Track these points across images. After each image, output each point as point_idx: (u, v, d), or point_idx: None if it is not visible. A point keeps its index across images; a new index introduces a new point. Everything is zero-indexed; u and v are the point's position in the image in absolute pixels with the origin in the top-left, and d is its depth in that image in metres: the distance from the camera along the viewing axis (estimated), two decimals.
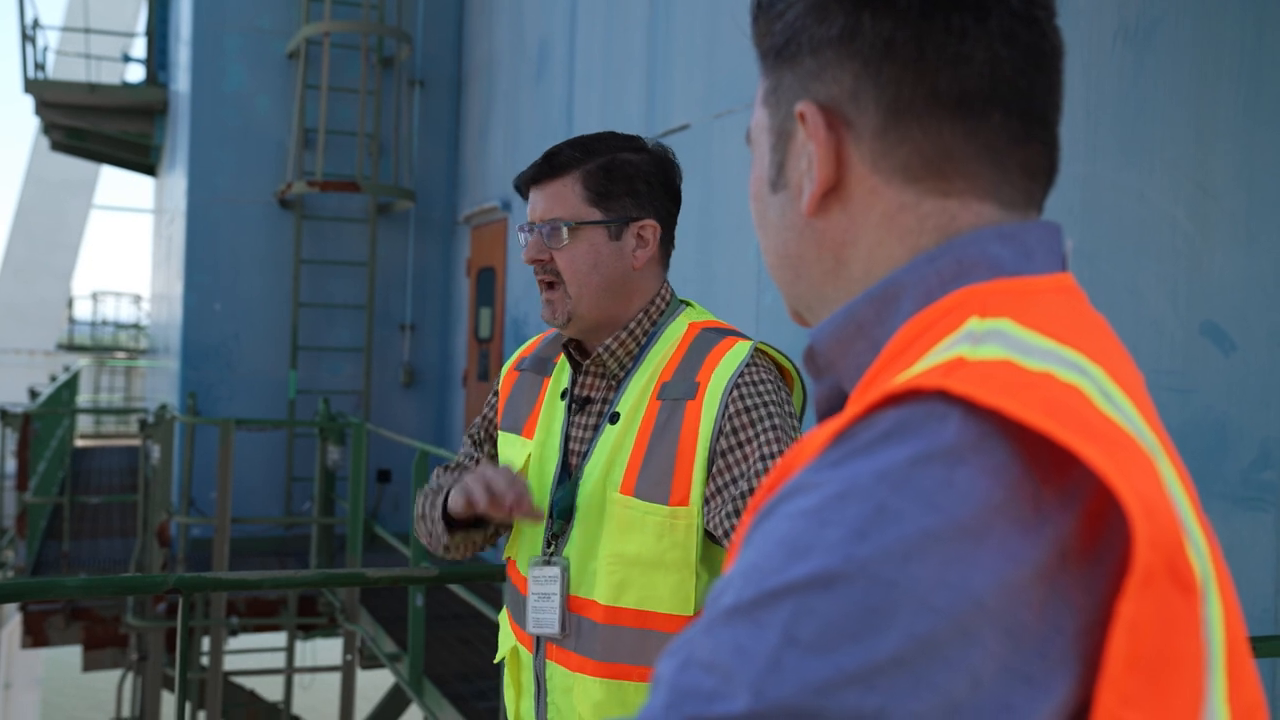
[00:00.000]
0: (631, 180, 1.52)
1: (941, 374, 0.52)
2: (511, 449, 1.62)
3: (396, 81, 8.87)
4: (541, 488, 1.55)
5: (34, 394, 10.83)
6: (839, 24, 0.62)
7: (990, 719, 0.46)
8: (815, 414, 0.70)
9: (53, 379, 14.86)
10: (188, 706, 2.58)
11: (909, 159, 0.62)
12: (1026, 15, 0.62)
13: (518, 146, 7.69)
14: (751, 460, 1.39)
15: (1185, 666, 0.50)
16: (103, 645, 7.83)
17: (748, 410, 1.41)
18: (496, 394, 1.72)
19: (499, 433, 1.67)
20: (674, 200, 1.58)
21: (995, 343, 0.55)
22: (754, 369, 1.45)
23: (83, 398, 20.79)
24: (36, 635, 7.52)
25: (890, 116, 0.62)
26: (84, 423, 18.44)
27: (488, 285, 8.24)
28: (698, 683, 0.47)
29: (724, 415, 1.42)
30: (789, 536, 0.49)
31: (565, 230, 1.50)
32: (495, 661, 1.69)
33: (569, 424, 1.56)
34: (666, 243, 1.58)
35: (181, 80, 9.52)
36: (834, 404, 0.68)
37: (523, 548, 1.58)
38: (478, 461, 1.73)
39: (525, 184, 1.56)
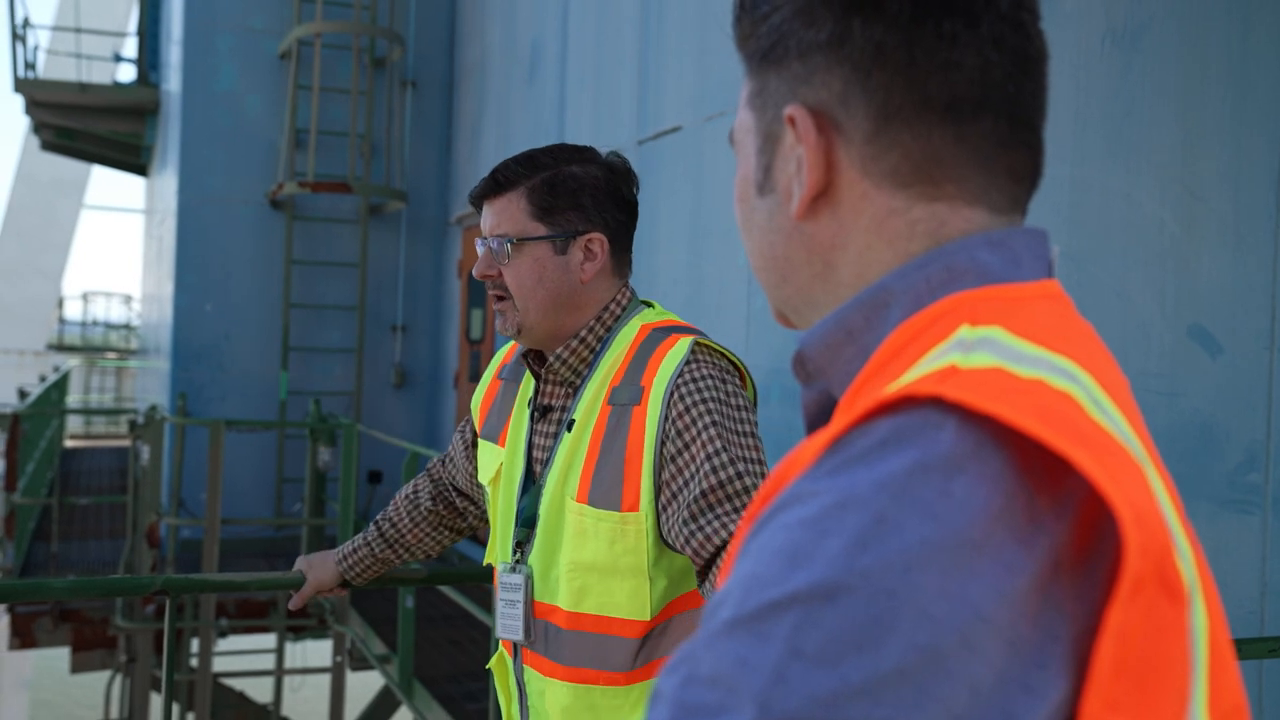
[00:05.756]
0: (576, 194, 1.52)
1: (936, 381, 0.52)
2: (487, 456, 1.65)
3: (388, 82, 8.86)
4: (509, 495, 1.59)
5: (23, 394, 10.76)
6: (828, 29, 0.62)
7: None
8: (804, 419, 0.70)
9: (42, 379, 14.79)
10: (175, 708, 2.57)
11: (899, 164, 0.62)
12: (1015, 20, 0.62)
13: (510, 148, 7.68)
14: (698, 462, 1.40)
15: (1171, 672, 0.50)
16: (91, 647, 7.79)
17: (688, 410, 1.42)
18: (476, 400, 1.75)
19: (479, 440, 1.70)
20: (625, 211, 1.57)
21: (986, 350, 0.55)
22: (693, 365, 1.45)
23: (72, 398, 20.71)
24: (25, 637, 7.48)
25: (880, 121, 0.62)
26: (73, 423, 18.37)
27: (479, 287, 8.22)
28: (701, 698, 0.46)
29: (667, 419, 1.42)
30: (788, 546, 0.49)
31: (509, 246, 1.51)
32: (487, 667, 1.71)
33: (532, 432, 1.58)
34: (621, 252, 1.57)
35: (173, 80, 9.49)
36: (823, 409, 0.68)
37: (497, 554, 1.61)
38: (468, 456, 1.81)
39: (476, 199, 1.57)
